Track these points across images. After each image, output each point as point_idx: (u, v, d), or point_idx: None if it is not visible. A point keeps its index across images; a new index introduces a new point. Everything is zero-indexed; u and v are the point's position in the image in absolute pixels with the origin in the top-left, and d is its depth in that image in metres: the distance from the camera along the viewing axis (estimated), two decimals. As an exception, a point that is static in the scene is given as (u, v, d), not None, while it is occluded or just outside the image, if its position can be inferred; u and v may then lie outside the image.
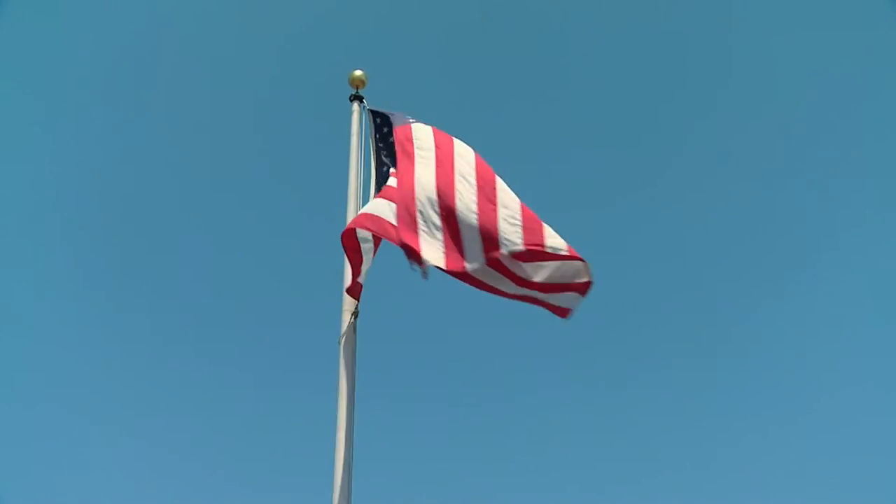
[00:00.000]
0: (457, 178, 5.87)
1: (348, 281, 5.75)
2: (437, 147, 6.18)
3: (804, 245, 18.30)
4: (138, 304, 17.41)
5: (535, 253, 5.46)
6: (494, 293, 5.67)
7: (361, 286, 5.72)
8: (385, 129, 6.95)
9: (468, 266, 5.45)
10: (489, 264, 5.50)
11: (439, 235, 5.53)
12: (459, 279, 5.55)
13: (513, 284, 5.62)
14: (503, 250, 5.46)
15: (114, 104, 18.12)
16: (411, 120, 6.59)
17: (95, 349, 16.61)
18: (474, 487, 15.48)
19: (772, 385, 16.94)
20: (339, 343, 5.63)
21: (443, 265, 5.38)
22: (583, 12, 20.15)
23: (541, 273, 5.56)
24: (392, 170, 6.31)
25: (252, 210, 19.03)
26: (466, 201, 5.69)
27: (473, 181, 5.85)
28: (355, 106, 7.05)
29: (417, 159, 6.07)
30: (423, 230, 5.54)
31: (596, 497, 15.54)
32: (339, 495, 4.95)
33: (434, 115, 6.91)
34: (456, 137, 6.34)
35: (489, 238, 5.51)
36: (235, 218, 19.02)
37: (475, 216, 5.61)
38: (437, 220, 5.59)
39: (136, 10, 17.89)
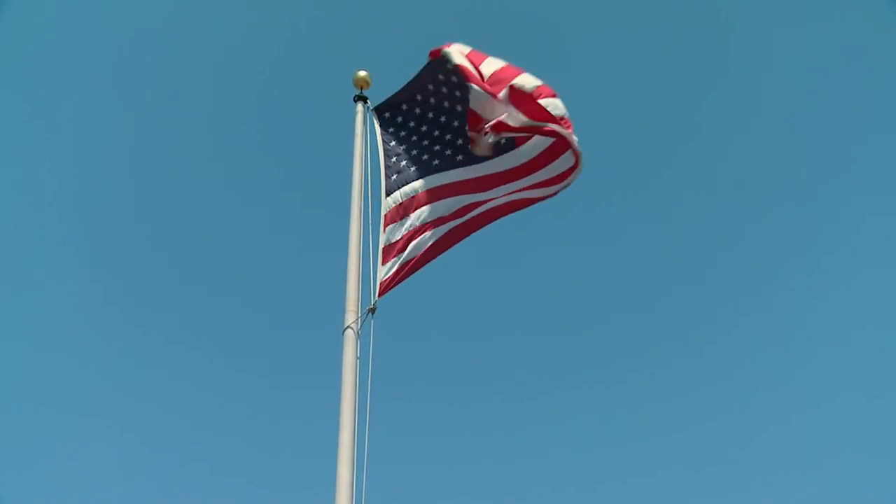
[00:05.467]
0: None
1: (383, 276, 5.95)
2: None
3: (806, 244, 18.33)
4: (141, 304, 17.43)
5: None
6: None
7: (391, 285, 5.94)
8: (392, 129, 7.01)
9: None
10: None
11: None
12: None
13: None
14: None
15: (116, 104, 18.13)
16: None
17: (96, 348, 16.63)
18: (478, 486, 15.52)
19: (772, 385, 16.98)
20: (342, 342, 5.62)
21: None
22: (583, 12, 20.18)
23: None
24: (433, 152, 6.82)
25: (256, 209, 19.06)
26: None
27: None
28: (359, 106, 7.08)
29: None
30: None
31: (597, 495, 15.57)
32: (343, 496, 4.93)
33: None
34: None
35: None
36: (239, 217, 19.04)
37: None
38: None
39: (137, 10, 17.90)
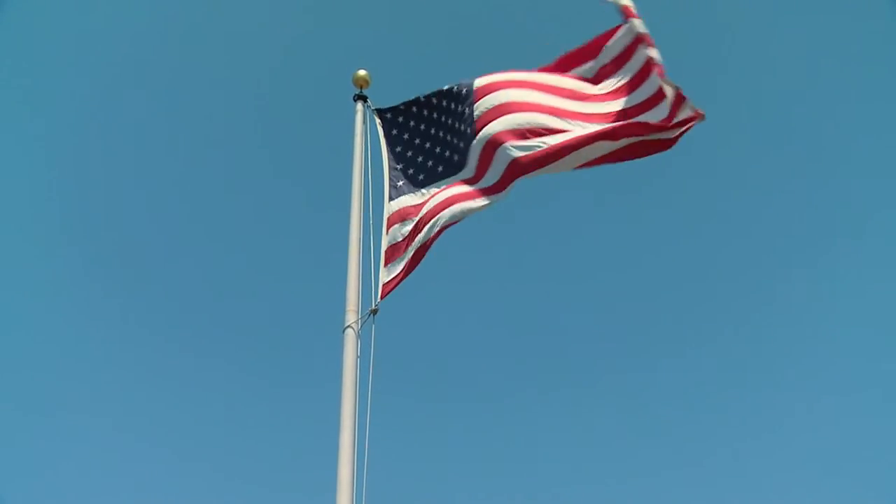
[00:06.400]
0: None
1: (386, 278, 5.93)
2: None
3: (803, 243, 18.33)
4: (142, 304, 17.42)
5: None
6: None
7: (393, 287, 5.91)
8: (394, 131, 6.98)
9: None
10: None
11: None
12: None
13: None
14: None
15: (116, 104, 18.11)
16: None
17: (96, 348, 16.63)
18: (479, 486, 15.52)
19: (771, 385, 16.96)
20: (342, 342, 5.61)
21: None
22: (583, 9, 20.16)
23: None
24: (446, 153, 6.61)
25: (256, 209, 19.06)
26: None
27: None
28: (359, 106, 7.06)
29: None
30: None
31: (598, 494, 15.58)
32: (343, 495, 4.92)
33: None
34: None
35: None
36: (239, 217, 19.03)
37: None
38: None
39: (137, 9, 17.89)
